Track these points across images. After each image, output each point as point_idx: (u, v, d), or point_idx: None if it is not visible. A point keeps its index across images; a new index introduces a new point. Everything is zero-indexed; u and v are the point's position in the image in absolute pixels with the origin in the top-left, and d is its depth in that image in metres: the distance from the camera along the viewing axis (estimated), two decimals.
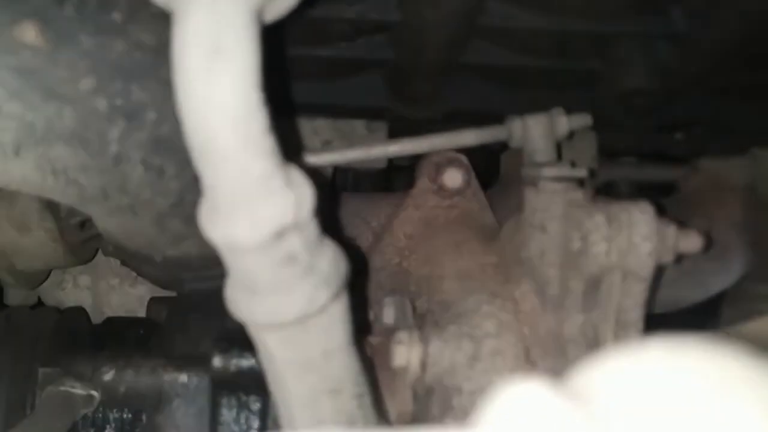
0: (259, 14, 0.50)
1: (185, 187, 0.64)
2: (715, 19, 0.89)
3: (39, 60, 0.56)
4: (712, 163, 1.30)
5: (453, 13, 0.86)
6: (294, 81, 1.08)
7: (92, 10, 0.57)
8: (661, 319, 1.29)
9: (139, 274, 0.83)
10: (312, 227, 0.55)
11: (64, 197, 0.64)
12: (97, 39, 0.57)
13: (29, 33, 0.54)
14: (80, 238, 1.01)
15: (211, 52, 0.47)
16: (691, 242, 0.85)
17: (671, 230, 0.84)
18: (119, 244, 0.76)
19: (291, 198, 0.51)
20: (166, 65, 0.49)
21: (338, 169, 1.20)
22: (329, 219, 1.07)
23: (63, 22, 0.56)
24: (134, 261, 0.78)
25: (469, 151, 1.11)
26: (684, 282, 1.26)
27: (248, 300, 0.57)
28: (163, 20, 0.50)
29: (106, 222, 0.71)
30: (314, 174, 0.55)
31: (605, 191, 1.38)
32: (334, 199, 1.14)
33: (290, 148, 1.01)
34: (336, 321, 0.60)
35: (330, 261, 0.57)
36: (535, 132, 1.00)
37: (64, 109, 0.57)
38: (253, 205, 0.50)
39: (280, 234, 0.52)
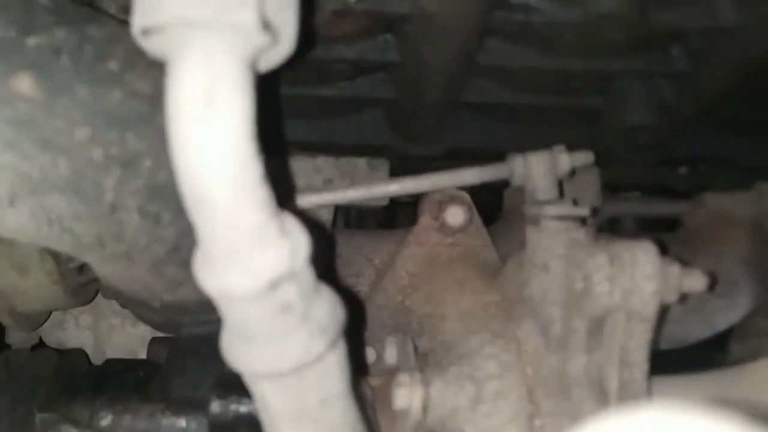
0: (253, 64, 0.50)
1: (182, 233, 0.64)
2: (714, 57, 0.89)
3: (34, 111, 0.56)
4: (716, 198, 1.29)
5: (453, 53, 0.87)
6: (295, 119, 1.09)
7: (89, 60, 0.58)
8: (669, 355, 1.28)
9: (138, 317, 0.82)
10: (307, 275, 0.54)
11: (60, 246, 0.64)
12: (93, 88, 0.57)
13: (25, 84, 0.54)
14: (80, 281, 1.01)
15: (204, 103, 0.47)
16: (696, 281, 0.84)
17: (675, 269, 0.83)
18: (116, 290, 0.76)
19: (286, 247, 0.51)
20: (162, 113, 0.49)
21: (341, 206, 1.20)
22: (328, 262, 1.07)
23: (59, 73, 0.56)
24: (132, 305, 0.78)
25: (471, 188, 1.11)
26: (691, 318, 1.25)
27: (243, 349, 0.56)
28: (160, 68, 0.50)
29: (103, 268, 0.71)
30: (311, 220, 0.55)
31: (609, 227, 1.37)
32: (335, 239, 1.13)
33: (289, 189, 1.01)
34: (333, 370, 0.59)
35: (326, 309, 0.56)
36: (536, 170, 1.00)
37: (59, 158, 0.57)
38: (247, 255, 0.50)
39: (274, 283, 0.51)
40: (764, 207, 1.26)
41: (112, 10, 0.72)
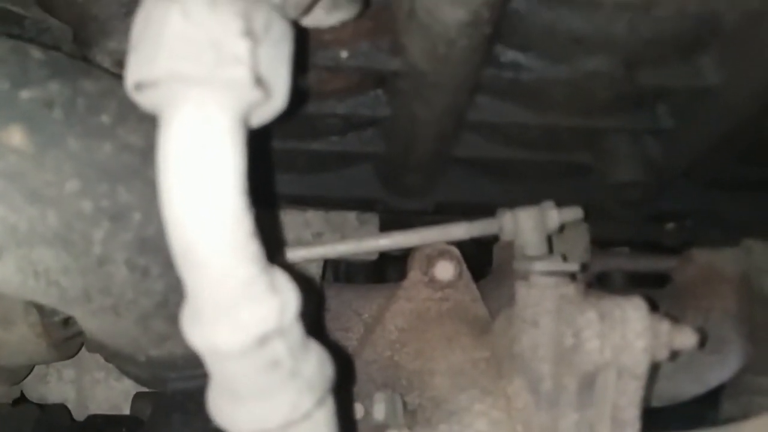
0: (245, 120, 0.50)
1: (170, 287, 0.63)
2: (699, 115, 0.91)
3: (24, 163, 0.55)
4: (705, 254, 1.30)
5: (443, 110, 0.88)
6: (285, 173, 1.09)
7: (81, 113, 0.58)
8: (660, 413, 1.27)
9: (122, 372, 0.81)
10: (296, 331, 0.54)
11: (46, 299, 0.63)
12: (84, 141, 0.57)
13: (16, 137, 0.54)
14: (64, 335, 0.99)
15: (196, 159, 0.47)
16: (686, 338, 0.84)
17: (665, 326, 0.83)
18: (101, 344, 0.74)
19: (275, 303, 0.50)
20: (153, 166, 0.49)
21: (330, 260, 1.20)
22: (317, 316, 1.06)
23: (51, 126, 0.57)
24: (117, 360, 0.76)
25: (460, 241, 1.11)
26: (682, 375, 1.24)
27: (230, 406, 0.55)
28: (152, 121, 0.50)
29: (88, 322, 0.70)
30: (300, 275, 0.54)
31: (599, 282, 1.37)
32: (324, 293, 1.12)
33: (278, 243, 1.01)
34: (321, 427, 0.58)
35: (315, 365, 0.56)
36: (525, 225, 1.00)
37: (48, 211, 0.57)
38: (235, 311, 0.49)
39: (263, 340, 0.50)
40: (752, 263, 1.26)
41: (106, 64, 0.73)
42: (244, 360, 0.51)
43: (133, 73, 0.48)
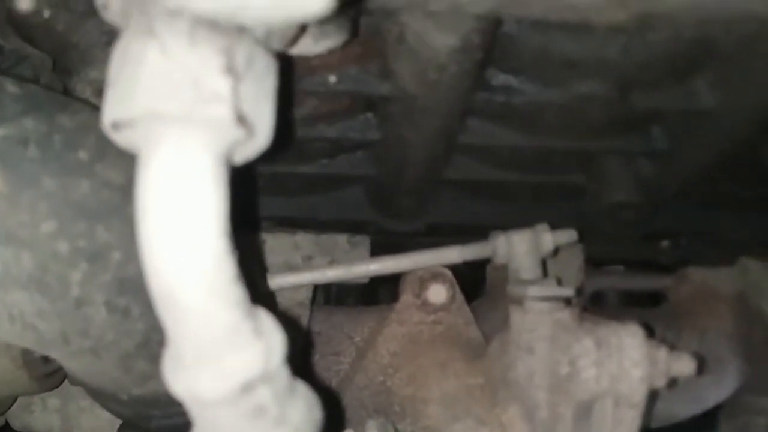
0: (227, 158, 0.48)
1: (151, 326, 0.61)
2: (693, 137, 0.90)
3: None
4: (700, 272, 1.29)
5: (434, 133, 0.86)
6: (274, 196, 1.07)
7: (57, 150, 0.56)
8: None
9: (104, 408, 0.78)
10: (283, 376, 0.52)
11: (22, 341, 0.61)
12: (61, 180, 0.55)
13: None
14: (45, 370, 0.97)
15: (176, 202, 0.45)
16: (684, 365, 0.83)
17: (663, 353, 0.81)
18: (82, 383, 0.72)
19: (259, 349, 0.48)
20: (133, 203, 0.47)
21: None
22: (304, 353, 1.04)
23: (25, 164, 0.54)
24: (99, 398, 0.74)
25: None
26: (679, 396, 1.22)
27: None
28: (133, 157, 0.48)
29: (67, 363, 0.67)
30: (285, 316, 0.52)
31: (593, 301, 1.36)
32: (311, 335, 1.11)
33: (263, 270, 0.99)
34: None
35: (302, 411, 0.53)
36: (519, 249, 0.99)
37: (23, 253, 0.54)
38: (218, 357, 0.47)
39: (247, 387, 0.48)
40: (748, 282, 1.25)
41: (87, 93, 0.71)
42: (228, 408, 0.49)
43: (109, 112, 0.46)
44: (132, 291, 0.59)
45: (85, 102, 0.67)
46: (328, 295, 1.41)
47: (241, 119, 0.46)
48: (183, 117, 0.45)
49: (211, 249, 0.45)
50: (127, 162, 0.58)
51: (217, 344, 0.47)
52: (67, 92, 0.71)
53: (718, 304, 1.25)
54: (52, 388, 1.05)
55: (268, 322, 0.51)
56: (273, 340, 0.50)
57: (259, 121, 0.48)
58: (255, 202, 1.05)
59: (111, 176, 0.57)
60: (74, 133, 0.57)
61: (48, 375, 0.98)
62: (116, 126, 0.46)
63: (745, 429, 1.31)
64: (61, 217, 0.55)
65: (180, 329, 0.47)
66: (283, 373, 0.52)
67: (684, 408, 1.25)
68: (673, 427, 1.27)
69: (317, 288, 1.15)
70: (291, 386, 0.53)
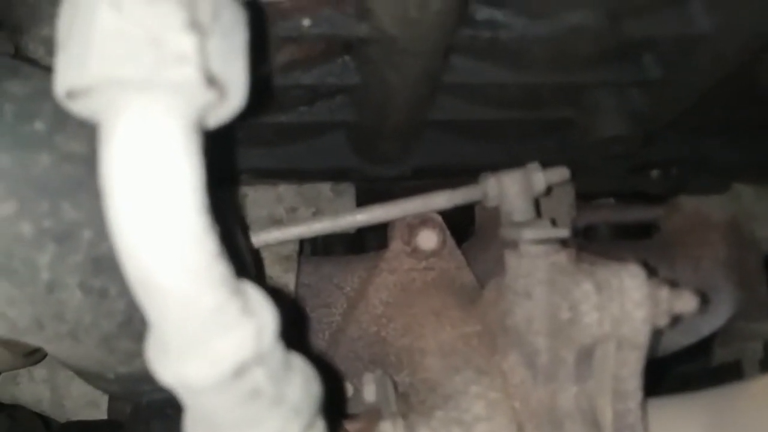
0: (199, 123, 0.43)
1: (133, 305, 0.57)
2: (687, 64, 0.85)
3: None
4: (692, 201, 1.26)
5: (417, 74, 0.81)
6: (253, 147, 1.02)
7: (10, 121, 0.50)
8: (653, 365, 1.25)
9: (93, 387, 0.75)
10: (277, 354, 0.48)
11: None
12: (17, 155, 0.50)
13: None
14: (28, 349, 0.93)
15: (145, 175, 0.40)
16: (686, 303, 0.80)
17: (664, 293, 0.79)
18: (65, 364, 0.68)
19: (249, 328, 0.45)
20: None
21: None
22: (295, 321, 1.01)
23: None
24: (85, 377, 0.71)
25: None
26: (673, 326, 1.22)
27: None
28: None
29: (46, 347, 0.63)
30: (274, 289, 0.49)
31: (585, 235, 1.33)
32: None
33: (245, 227, 0.94)
34: None
35: (300, 387, 0.50)
36: (511, 190, 0.95)
37: None
38: (206, 341, 0.44)
39: (240, 370, 0.45)
40: (742, 209, 1.23)
41: (40, 53, 0.65)
42: (220, 394, 0.45)
43: (62, 80, 0.41)
44: (108, 270, 0.55)
45: (39, 64, 0.61)
46: (315, 246, 1.37)
47: (211, 80, 0.41)
48: (145, 82, 0.40)
49: (188, 225, 0.41)
50: (90, 131, 0.53)
51: (204, 327, 0.43)
52: (18, 53, 0.65)
53: (710, 232, 1.23)
54: (37, 362, 1.02)
55: (256, 297, 0.47)
56: (263, 316, 0.46)
57: (231, 79, 0.43)
58: (233, 155, 1.00)
59: (73, 147, 0.52)
60: (28, 102, 0.52)
61: (31, 352, 0.94)
62: (71, 95, 0.41)
63: (740, 355, 1.31)
64: (20, 197, 0.50)
65: (161, 314, 0.43)
66: (277, 350, 0.48)
67: (679, 338, 1.24)
68: (668, 357, 1.26)
69: (303, 239, 1.11)
70: (286, 363, 0.50)
